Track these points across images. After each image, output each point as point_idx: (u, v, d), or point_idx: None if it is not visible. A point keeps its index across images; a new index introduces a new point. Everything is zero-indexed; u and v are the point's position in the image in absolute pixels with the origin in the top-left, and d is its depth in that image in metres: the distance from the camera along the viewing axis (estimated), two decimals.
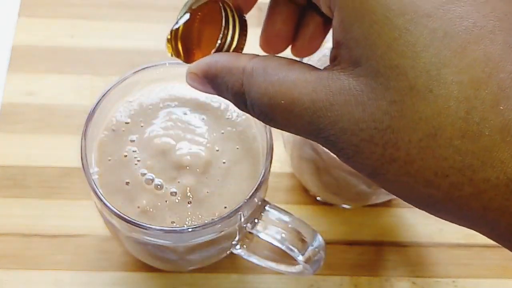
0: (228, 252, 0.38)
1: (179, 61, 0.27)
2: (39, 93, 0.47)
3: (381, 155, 0.19)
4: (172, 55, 0.27)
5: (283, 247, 0.34)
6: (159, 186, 0.34)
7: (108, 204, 0.31)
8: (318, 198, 0.45)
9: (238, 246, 0.38)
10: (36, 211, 0.43)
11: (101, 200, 0.32)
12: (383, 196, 0.41)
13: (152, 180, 0.34)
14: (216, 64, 0.23)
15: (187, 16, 0.27)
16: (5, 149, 0.45)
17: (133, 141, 0.35)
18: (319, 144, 0.35)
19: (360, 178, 0.37)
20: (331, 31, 0.22)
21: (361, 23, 0.19)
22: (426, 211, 0.20)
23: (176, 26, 0.27)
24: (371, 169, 0.20)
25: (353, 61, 0.20)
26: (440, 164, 0.18)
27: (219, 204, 0.34)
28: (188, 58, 0.27)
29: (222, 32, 0.24)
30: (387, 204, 0.45)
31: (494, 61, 0.18)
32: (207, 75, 0.23)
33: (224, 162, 0.35)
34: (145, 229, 0.31)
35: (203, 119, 0.36)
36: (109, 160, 0.35)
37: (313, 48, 0.26)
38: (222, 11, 0.25)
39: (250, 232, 0.35)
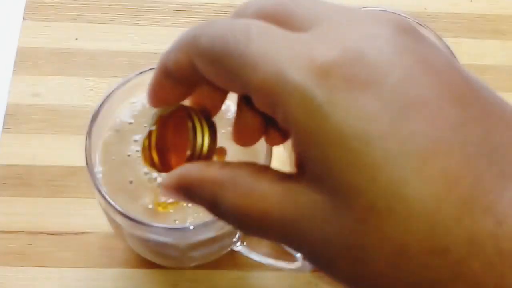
0: (228, 249, 0.39)
1: None
2: (44, 95, 0.48)
3: (351, 270, 0.19)
4: (147, 166, 0.27)
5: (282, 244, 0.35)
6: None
7: (112, 203, 0.32)
8: None
9: (238, 244, 0.38)
10: (42, 209, 0.44)
11: (105, 198, 0.32)
12: None
13: (155, 179, 0.34)
14: (187, 177, 0.23)
15: (155, 125, 0.26)
16: (11, 149, 0.45)
17: (136, 141, 0.36)
18: None
19: None
20: None
21: (316, 145, 0.19)
22: None
23: (148, 135, 0.26)
24: (345, 282, 0.20)
25: (315, 177, 0.20)
26: (410, 279, 0.18)
27: None
28: (164, 166, 0.26)
29: (192, 143, 0.24)
30: None
31: (453, 174, 0.18)
32: (179, 188, 0.23)
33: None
34: (148, 227, 0.32)
35: None
36: (113, 159, 0.35)
37: (286, 137, 0.25)
38: (189, 120, 0.24)
39: None
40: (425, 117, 0.18)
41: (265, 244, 0.38)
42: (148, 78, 0.36)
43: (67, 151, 0.46)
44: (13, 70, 0.49)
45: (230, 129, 0.36)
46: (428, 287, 0.18)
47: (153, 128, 0.26)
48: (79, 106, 0.47)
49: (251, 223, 0.21)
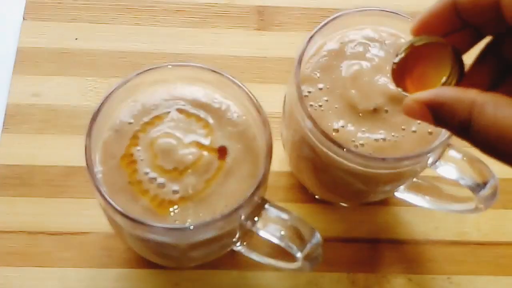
0: (229, 249, 0.39)
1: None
2: (44, 95, 0.48)
3: None
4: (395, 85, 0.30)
5: (282, 244, 0.35)
6: (161, 185, 0.34)
7: (112, 203, 0.32)
8: (316, 196, 0.45)
9: (238, 243, 0.38)
10: (42, 209, 0.44)
11: (105, 198, 0.32)
12: (380, 194, 0.42)
13: (155, 179, 0.34)
14: (444, 95, 0.25)
15: (404, 52, 0.29)
16: (11, 149, 0.46)
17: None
18: (317, 144, 0.36)
19: (357, 177, 0.37)
20: None
21: None
22: None
23: (396, 58, 0.29)
24: None
25: None
26: None
27: (220, 202, 0.34)
28: (401, 87, 0.29)
29: (450, 72, 0.27)
30: (384, 202, 0.45)
31: None
32: (433, 103, 0.25)
33: (225, 162, 0.35)
34: (148, 227, 0.32)
35: (204, 119, 0.37)
36: (113, 159, 0.35)
37: None
38: (451, 52, 0.27)
39: (250, 230, 0.35)
40: None
41: (265, 244, 0.38)
42: (148, 78, 0.36)
43: (67, 151, 0.46)
44: (13, 70, 0.49)
45: (230, 129, 0.36)
46: None
47: (402, 54, 0.29)
48: (79, 106, 0.47)
49: (506, 144, 0.23)
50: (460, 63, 0.28)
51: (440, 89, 0.26)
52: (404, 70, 0.29)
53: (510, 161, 0.24)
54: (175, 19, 0.52)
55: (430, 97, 0.25)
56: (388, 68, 0.34)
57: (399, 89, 0.30)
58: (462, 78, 0.28)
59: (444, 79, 0.27)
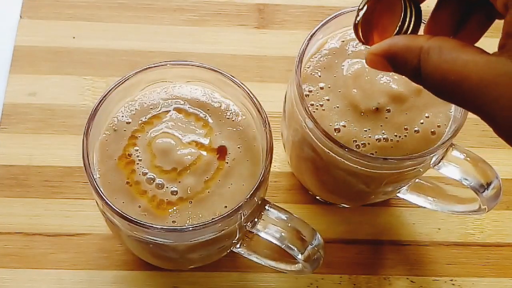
0: (228, 250, 0.39)
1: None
2: (41, 94, 0.47)
3: None
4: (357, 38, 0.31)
5: (283, 246, 0.35)
6: (160, 186, 0.34)
7: (110, 204, 0.32)
8: (317, 197, 0.45)
9: (238, 245, 0.38)
10: (38, 211, 0.43)
11: (102, 199, 0.32)
12: (382, 195, 0.42)
13: (153, 179, 0.34)
14: (396, 44, 0.27)
15: (366, 4, 0.30)
16: (7, 149, 0.45)
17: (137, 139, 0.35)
18: (318, 144, 0.36)
19: (359, 178, 0.37)
20: None
21: None
22: None
23: (357, 13, 0.30)
24: None
25: None
26: None
27: (219, 203, 0.34)
28: (366, 42, 0.30)
29: (401, 21, 0.28)
30: (385, 203, 0.45)
31: None
32: (387, 54, 0.27)
33: (225, 162, 0.35)
34: (147, 228, 0.32)
35: (203, 119, 0.36)
36: (111, 159, 0.35)
37: (473, 41, 0.29)
38: (402, 2, 0.28)
39: (250, 231, 0.35)
40: None
41: (265, 246, 0.38)
42: (146, 77, 0.36)
43: (64, 151, 0.45)
44: (10, 69, 0.48)
45: (229, 129, 0.36)
46: None
47: (363, 7, 0.30)
48: (76, 106, 0.47)
49: (450, 86, 0.25)
50: (416, 10, 0.28)
51: (392, 39, 0.27)
52: (370, 26, 0.30)
53: (458, 102, 0.25)
54: (173, 17, 0.52)
55: (383, 49, 0.27)
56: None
57: (360, 43, 0.31)
58: (419, 24, 0.29)
59: (397, 28, 0.28)
